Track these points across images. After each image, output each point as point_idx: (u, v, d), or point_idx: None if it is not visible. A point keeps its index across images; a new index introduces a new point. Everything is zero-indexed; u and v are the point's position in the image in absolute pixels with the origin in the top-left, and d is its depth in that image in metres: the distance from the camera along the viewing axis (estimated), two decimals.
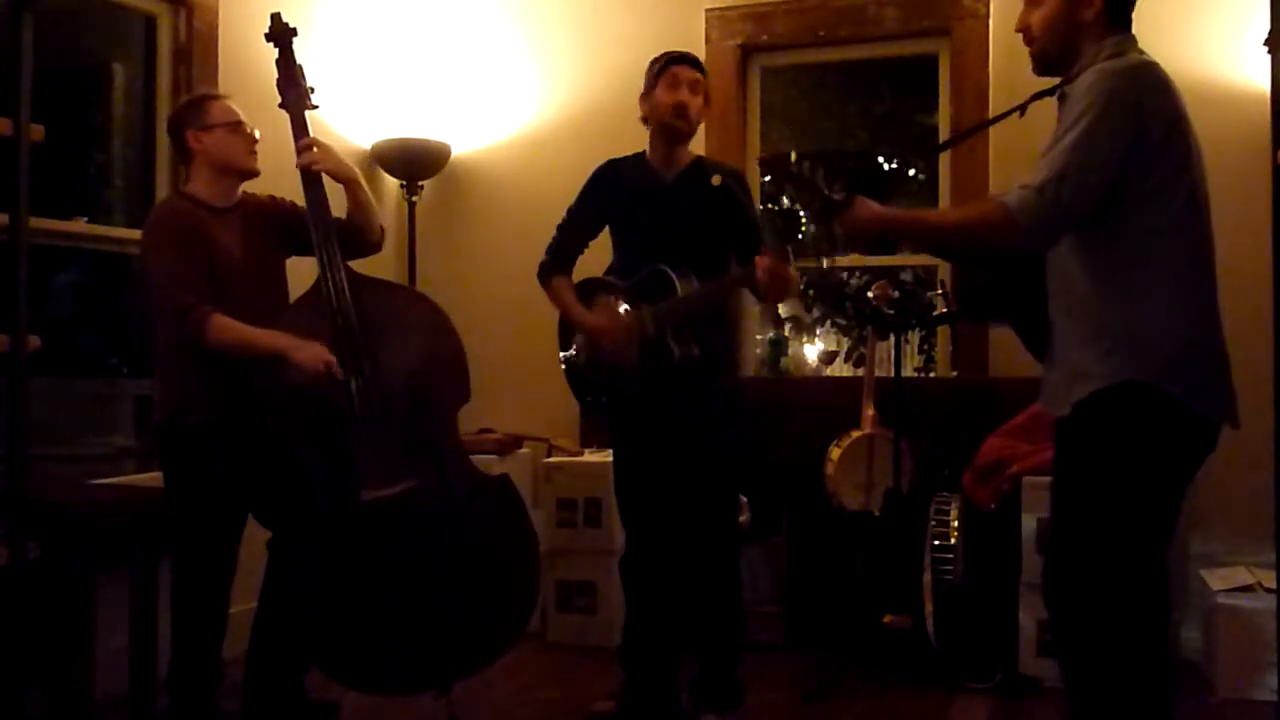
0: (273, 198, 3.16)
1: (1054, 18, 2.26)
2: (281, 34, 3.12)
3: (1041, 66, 2.33)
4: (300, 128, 3.08)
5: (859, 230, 2.31)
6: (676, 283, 3.01)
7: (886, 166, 4.82)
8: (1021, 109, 2.35)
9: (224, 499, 2.97)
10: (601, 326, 3.15)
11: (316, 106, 3.13)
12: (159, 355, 3.06)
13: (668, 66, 3.12)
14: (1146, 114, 2.13)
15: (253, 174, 3.06)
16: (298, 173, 3.06)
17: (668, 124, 3.10)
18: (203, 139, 2.99)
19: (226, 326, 2.83)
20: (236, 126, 3.00)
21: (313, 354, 2.85)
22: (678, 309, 3.02)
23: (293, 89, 3.10)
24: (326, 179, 3.06)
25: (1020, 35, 2.35)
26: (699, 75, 3.13)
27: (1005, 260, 2.34)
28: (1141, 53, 2.23)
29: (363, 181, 3.16)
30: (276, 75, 3.11)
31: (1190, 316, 2.17)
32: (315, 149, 3.05)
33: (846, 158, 4.94)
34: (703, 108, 3.16)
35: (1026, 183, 2.13)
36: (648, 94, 3.14)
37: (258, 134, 3.05)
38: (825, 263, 2.62)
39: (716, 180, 3.07)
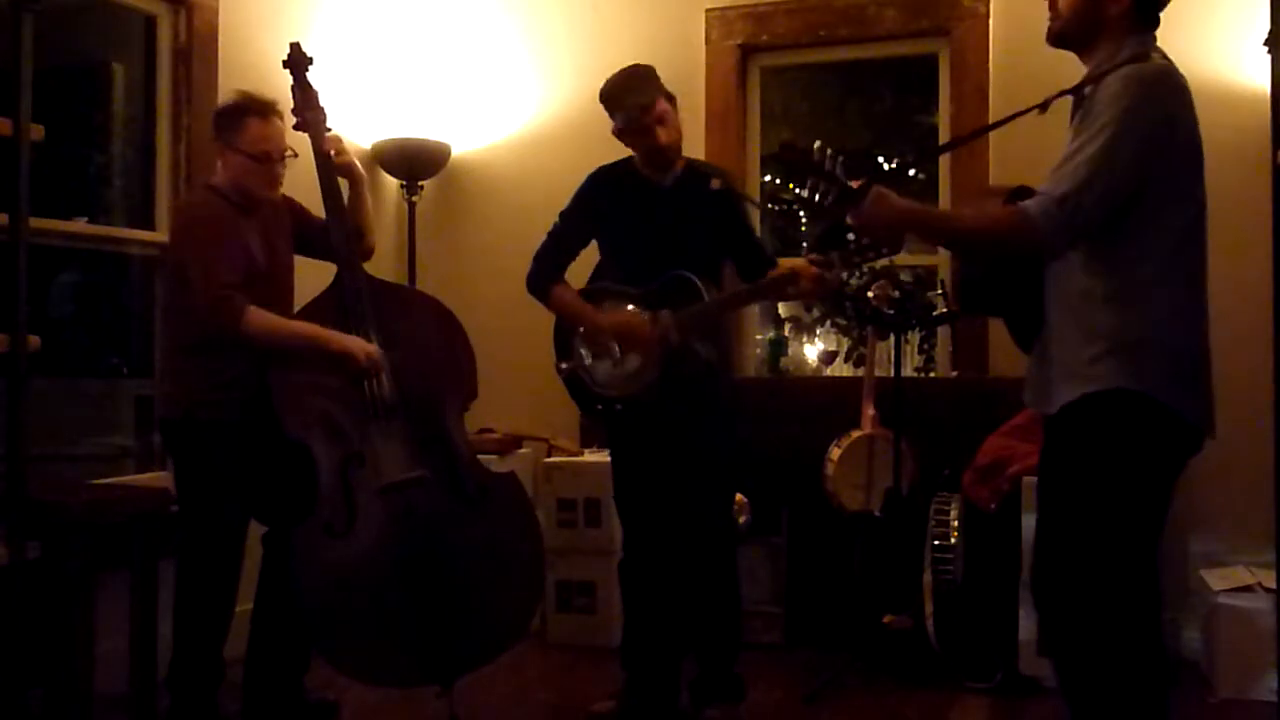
0: (286, 197, 3.19)
1: (1081, 5, 2.21)
2: (299, 62, 3.21)
3: (1057, 41, 2.28)
4: (321, 149, 3.15)
5: (875, 222, 2.23)
6: (702, 289, 3.02)
7: (886, 167, 4.80)
8: (1044, 106, 2.24)
9: (237, 495, 2.99)
10: (626, 323, 3.10)
11: (331, 130, 3.20)
12: (174, 349, 3.07)
13: (633, 119, 3.04)
14: (1177, 125, 2.12)
15: (270, 200, 3.09)
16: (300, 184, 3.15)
17: (657, 160, 3.10)
18: (227, 157, 3.02)
19: (263, 316, 2.87)
20: (263, 158, 2.99)
21: (358, 343, 2.94)
22: (708, 314, 3.03)
23: (312, 113, 3.18)
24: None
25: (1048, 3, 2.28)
26: (661, 100, 3.05)
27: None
28: (1162, 55, 2.18)
29: (367, 188, 3.26)
30: (293, 101, 3.18)
31: (1186, 326, 2.16)
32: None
33: (868, 157, 4.90)
34: (675, 118, 3.11)
35: (1046, 190, 2.10)
36: (622, 136, 3.11)
37: (291, 153, 3.07)
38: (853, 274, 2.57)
39: (717, 183, 3.07)
